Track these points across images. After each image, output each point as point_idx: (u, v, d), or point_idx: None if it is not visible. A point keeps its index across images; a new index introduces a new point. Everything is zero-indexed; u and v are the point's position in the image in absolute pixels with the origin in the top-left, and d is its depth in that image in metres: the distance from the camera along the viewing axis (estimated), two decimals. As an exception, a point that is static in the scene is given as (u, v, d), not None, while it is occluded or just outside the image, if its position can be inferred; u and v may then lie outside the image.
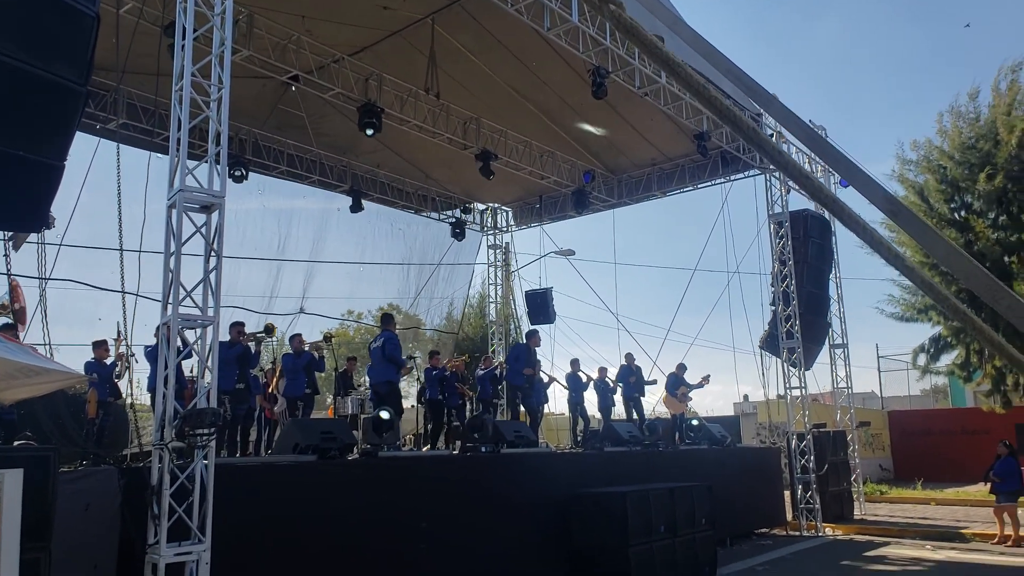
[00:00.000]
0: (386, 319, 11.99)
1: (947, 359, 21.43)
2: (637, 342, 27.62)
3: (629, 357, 16.09)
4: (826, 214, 17.89)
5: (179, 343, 6.48)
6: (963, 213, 19.66)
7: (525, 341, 14.82)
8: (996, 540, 13.30)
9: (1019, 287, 17.18)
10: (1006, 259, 18.49)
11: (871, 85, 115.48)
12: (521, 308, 21.20)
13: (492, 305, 22.54)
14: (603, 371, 16.11)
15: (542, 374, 15.43)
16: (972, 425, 24.06)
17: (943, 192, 19.74)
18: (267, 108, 14.75)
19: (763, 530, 15.33)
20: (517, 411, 14.21)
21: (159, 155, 10.67)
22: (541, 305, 19.61)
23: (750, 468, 15.17)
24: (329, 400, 13.08)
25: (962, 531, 14.24)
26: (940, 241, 2.02)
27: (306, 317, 16.84)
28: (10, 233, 8.16)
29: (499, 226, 22.07)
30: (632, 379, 15.84)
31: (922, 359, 21.79)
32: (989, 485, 13.62)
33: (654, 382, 16.56)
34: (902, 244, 17.98)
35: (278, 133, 15.82)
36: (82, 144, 12.15)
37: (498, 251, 22.15)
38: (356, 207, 17.26)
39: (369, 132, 13.25)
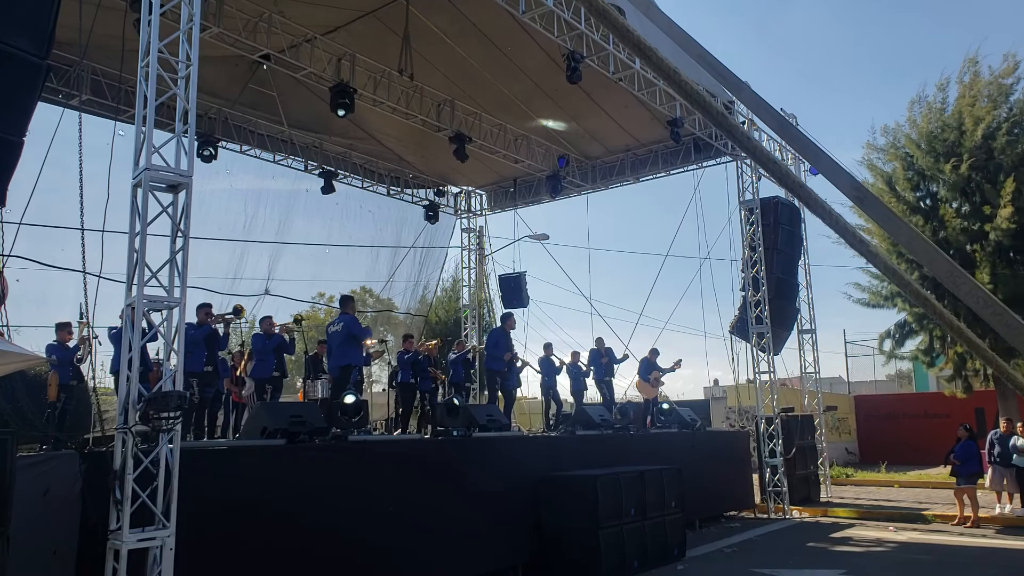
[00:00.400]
0: (345, 301, 11.71)
1: (911, 345, 21.74)
2: (609, 326, 27.84)
3: (599, 342, 16.15)
4: (796, 201, 18.03)
5: (144, 325, 6.38)
6: (929, 201, 19.89)
7: (500, 325, 14.79)
8: (956, 521, 13.57)
9: (980, 275, 17.43)
10: (969, 247, 18.75)
11: (845, 71, 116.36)
12: (495, 292, 21.21)
13: (465, 289, 22.49)
14: (575, 355, 16.17)
15: (518, 360, 15.46)
16: (934, 409, 24.49)
17: (910, 180, 19.96)
18: (238, 87, 14.55)
19: (732, 512, 15.51)
20: (496, 396, 14.21)
21: (122, 130, 10.44)
22: (514, 289, 19.63)
23: (719, 451, 15.32)
24: (299, 383, 12.99)
25: (924, 513, 14.51)
26: (903, 227, 2.03)
27: (277, 300, 16.69)
28: None
29: (473, 209, 21.99)
30: (604, 360, 15.90)
31: (887, 345, 22.06)
32: (950, 468, 13.87)
33: (626, 357, 16.66)
34: (869, 232, 18.16)
35: (249, 112, 15.61)
36: (45, 115, 11.87)
37: (472, 235, 22.09)
38: (328, 188, 17.09)
39: (341, 112, 13.10)
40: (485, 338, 15.36)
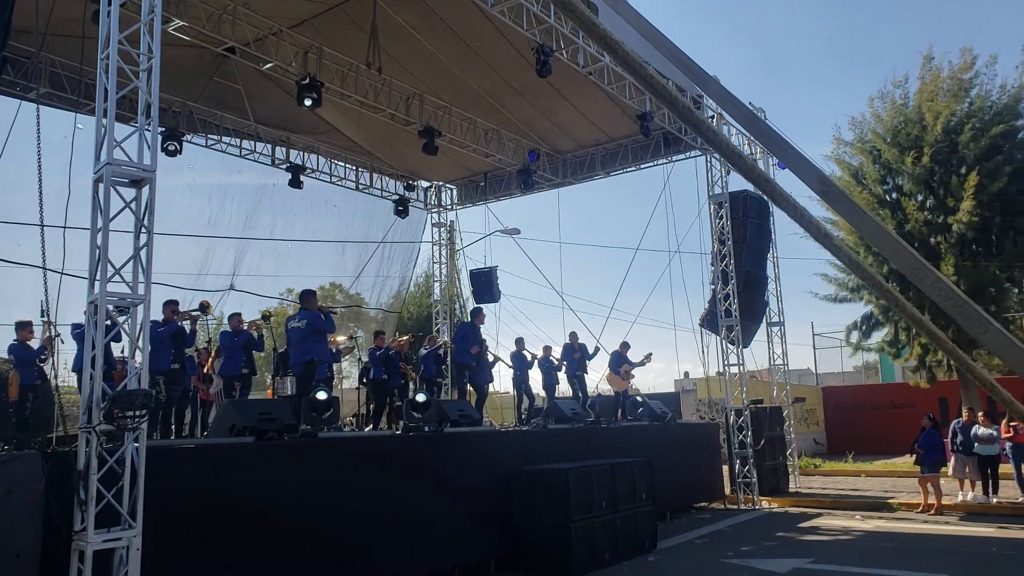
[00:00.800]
0: (306, 296, 11.44)
1: (878, 337, 22.06)
2: (581, 320, 27.87)
3: (573, 336, 16.19)
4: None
5: (108, 323, 6.28)
6: (895, 195, 20.15)
7: (470, 319, 14.77)
8: (920, 509, 13.83)
9: (944, 268, 17.70)
10: (933, 240, 19.03)
11: (815, 65, 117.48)
12: (466, 287, 21.16)
13: (437, 284, 22.41)
14: (547, 349, 16.19)
15: (490, 354, 15.46)
16: (900, 399, 24.83)
17: (877, 173, 20.22)
18: (203, 80, 14.34)
19: (702, 504, 15.63)
20: (465, 390, 14.19)
21: (81, 123, 10.23)
22: (486, 284, 19.61)
23: (690, 444, 15.43)
24: (268, 380, 12.87)
25: (889, 501, 14.76)
26: (868, 220, 2.04)
27: (243, 296, 16.53)
28: None
29: (443, 204, 21.91)
30: (576, 355, 15.95)
31: (854, 336, 22.38)
32: (914, 457, 14.10)
33: (597, 351, 16.70)
34: (836, 225, 18.37)
35: (215, 106, 15.41)
36: (2, 108, 11.63)
37: (443, 229, 22.01)
38: (295, 183, 16.91)
39: (308, 103, 12.95)
40: (454, 332, 15.32)
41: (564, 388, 16.79)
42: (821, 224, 2.04)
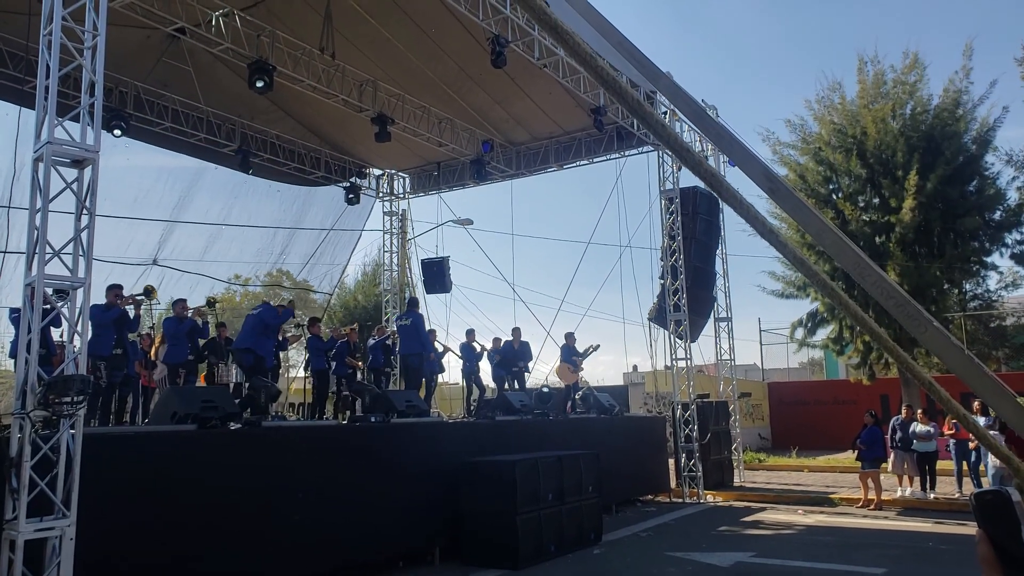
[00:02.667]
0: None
1: (823, 334, 22.43)
2: (532, 312, 27.98)
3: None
4: (715, 191, 18.35)
5: (47, 306, 6.10)
6: (840, 194, 20.51)
7: (412, 309, 14.56)
8: (860, 504, 14.12)
9: (889, 269, 18.07)
10: (877, 239, 19.41)
11: (767, 63, 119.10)
12: (417, 276, 21.03)
13: (387, 273, 22.23)
14: (497, 341, 16.18)
15: (437, 344, 15.38)
16: (842, 396, 25.34)
17: (821, 174, 20.53)
18: (151, 60, 14.00)
19: (648, 497, 15.79)
20: (415, 382, 14.10)
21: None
22: (437, 274, 19.52)
23: (637, 437, 15.56)
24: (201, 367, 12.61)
25: (831, 496, 15.04)
26: (814, 218, 2.05)
27: (192, 284, 16.27)
28: None
29: (396, 192, 21.73)
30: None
31: (800, 333, 22.74)
32: (856, 452, 14.40)
33: (597, 347, 16.79)
34: (783, 221, 18.61)
35: (163, 88, 15.05)
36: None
37: (394, 218, 21.82)
38: (244, 167, 16.62)
39: (260, 84, 12.72)
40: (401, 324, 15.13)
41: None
42: (767, 220, 2.05)
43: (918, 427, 14.25)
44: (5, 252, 7.31)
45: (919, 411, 14.66)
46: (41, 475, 5.57)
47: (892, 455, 14.65)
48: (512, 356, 15.82)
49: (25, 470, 5.45)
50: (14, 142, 8.96)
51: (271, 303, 11.18)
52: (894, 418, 15.12)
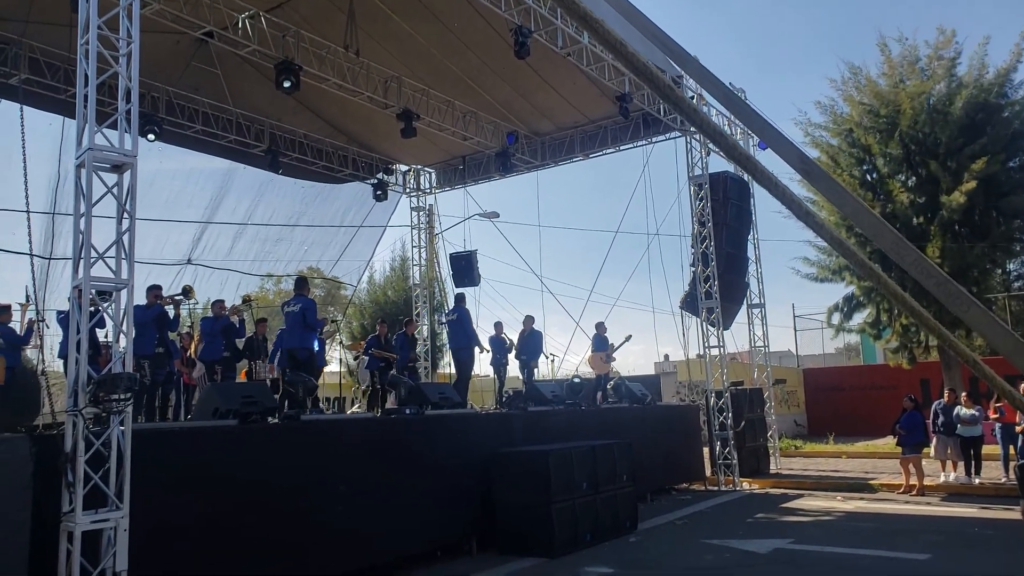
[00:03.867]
0: (300, 283, 11.63)
1: (859, 318, 22.19)
2: (560, 304, 27.93)
3: (498, 327, 16.05)
4: (745, 176, 18.27)
5: (92, 308, 6.27)
6: (875, 175, 20.24)
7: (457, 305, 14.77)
8: (902, 490, 13.95)
9: (931, 250, 17.81)
10: (915, 221, 19.14)
11: (791, 47, 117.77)
12: (445, 271, 21.15)
13: (415, 268, 22.38)
14: (499, 327, 16.09)
15: (504, 336, 15.43)
16: (881, 381, 25.06)
17: (854, 156, 20.28)
18: (181, 65, 14.23)
19: (683, 485, 15.77)
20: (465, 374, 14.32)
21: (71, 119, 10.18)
22: (465, 268, 19.60)
23: (670, 425, 15.54)
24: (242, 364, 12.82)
25: (870, 482, 14.88)
26: (849, 199, 2.09)
27: (223, 281, 16.56)
28: None
29: (422, 188, 21.85)
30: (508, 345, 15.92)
31: (836, 318, 22.50)
32: (896, 438, 14.22)
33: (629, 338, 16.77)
34: (817, 205, 18.45)
35: (193, 92, 15.29)
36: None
37: (421, 213, 21.95)
38: (274, 167, 16.87)
39: (286, 84, 12.88)
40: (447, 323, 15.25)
41: (544, 372, 16.80)
42: (803, 202, 2.09)
43: (963, 411, 14.02)
44: (50, 258, 7.56)
45: (963, 394, 14.46)
46: (94, 469, 5.76)
47: (934, 440, 14.42)
48: (521, 345, 15.79)
49: (80, 465, 5.63)
50: (58, 151, 9.22)
51: (304, 295, 11.24)
52: (936, 402, 14.86)
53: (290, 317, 11.13)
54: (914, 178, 19.32)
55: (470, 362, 14.21)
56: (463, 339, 14.09)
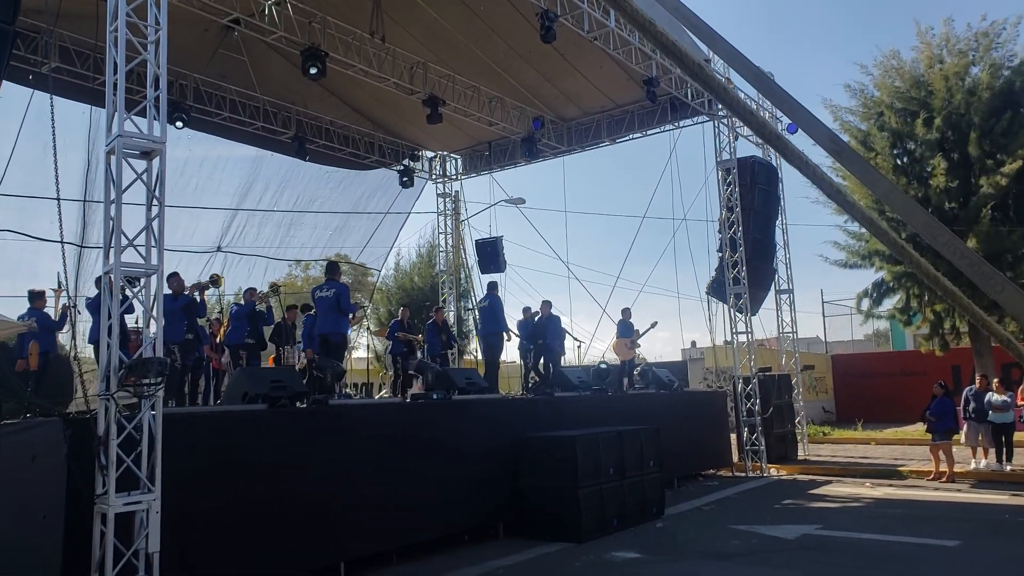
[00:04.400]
0: (332, 268, 11.71)
1: (889, 304, 21.98)
2: (587, 289, 27.85)
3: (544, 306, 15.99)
4: (773, 160, 18.10)
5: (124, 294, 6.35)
6: (906, 159, 19.97)
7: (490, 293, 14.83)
8: (931, 477, 13.81)
9: (972, 238, 17.54)
10: (947, 205, 18.87)
11: (821, 28, 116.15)
12: (472, 257, 21.18)
13: (442, 254, 22.43)
14: (527, 311, 16.06)
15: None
16: (911, 367, 24.82)
17: (886, 139, 20.01)
18: (208, 53, 14.33)
19: (710, 471, 15.73)
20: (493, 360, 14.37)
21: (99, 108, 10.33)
22: (491, 254, 19.62)
23: (697, 411, 15.48)
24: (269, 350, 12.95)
25: (899, 469, 14.75)
26: (881, 179, 2.06)
27: (251, 268, 16.73)
28: None
29: (448, 174, 21.87)
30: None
31: (865, 304, 22.30)
32: (926, 424, 14.08)
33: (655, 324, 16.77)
34: (850, 190, 18.22)
35: (220, 79, 15.39)
36: (17, 92, 11.72)
37: (447, 199, 21.98)
38: (301, 154, 16.97)
39: (313, 71, 12.92)
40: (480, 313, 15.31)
41: (570, 357, 16.76)
42: (833, 180, 2.06)
43: (994, 397, 13.86)
44: (82, 246, 7.69)
45: (995, 380, 14.27)
46: (127, 453, 5.85)
47: (965, 427, 14.28)
48: (536, 330, 15.72)
49: (112, 448, 5.71)
50: (87, 140, 9.35)
51: (337, 280, 11.30)
52: (967, 388, 14.70)
53: (323, 302, 11.13)
54: (946, 162, 19.02)
55: (500, 348, 14.29)
56: (493, 325, 14.20)
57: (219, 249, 16.29)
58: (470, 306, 19.70)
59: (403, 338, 14.32)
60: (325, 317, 11.10)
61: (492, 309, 14.33)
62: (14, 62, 11.91)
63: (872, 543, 9.11)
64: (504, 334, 14.46)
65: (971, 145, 18.23)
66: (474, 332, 21.07)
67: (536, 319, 15.64)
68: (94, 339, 8.85)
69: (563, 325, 15.94)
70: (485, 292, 15.00)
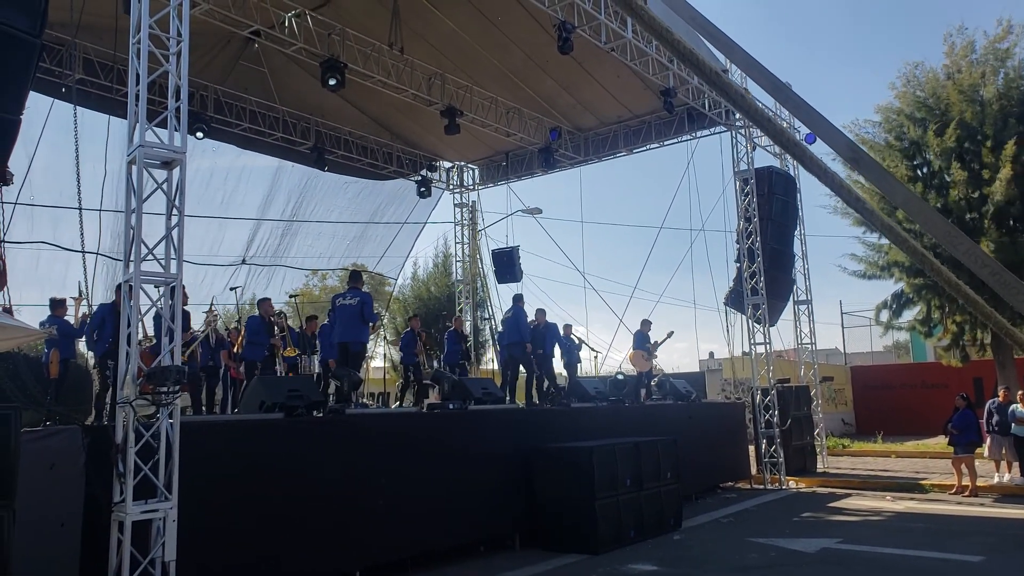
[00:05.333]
0: (355, 277, 11.71)
1: (909, 315, 21.77)
2: (604, 300, 27.83)
3: (567, 328, 15.96)
4: (791, 170, 18.02)
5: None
6: (926, 170, 19.82)
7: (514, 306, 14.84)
8: (954, 490, 13.62)
9: (985, 244, 17.36)
10: (968, 216, 18.69)
11: (839, 39, 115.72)
12: (488, 267, 21.21)
13: (458, 264, 22.47)
14: (568, 328, 16.15)
15: (573, 337, 15.41)
16: (932, 379, 24.55)
17: (904, 152, 19.88)
18: (229, 64, 14.47)
19: (728, 484, 15.62)
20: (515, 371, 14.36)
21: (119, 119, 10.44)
22: (508, 264, 19.65)
23: (715, 423, 15.39)
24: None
25: (921, 482, 14.56)
26: (900, 187, 2.04)
27: (275, 279, 16.83)
28: None
29: (465, 184, 21.92)
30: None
31: (884, 315, 22.10)
32: (948, 437, 13.90)
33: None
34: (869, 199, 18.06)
35: (240, 90, 15.53)
36: (39, 102, 11.87)
37: (464, 209, 22.03)
38: (320, 164, 17.07)
39: (332, 82, 13.01)
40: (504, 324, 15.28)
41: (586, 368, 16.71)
42: (852, 188, 2.04)
43: (1018, 409, 13.64)
44: (97, 254, 7.82)
45: (1019, 393, 14.08)
46: (144, 461, 5.88)
47: (988, 440, 14.07)
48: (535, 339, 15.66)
49: (130, 456, 5.75)
50: (105, 149, 9.48)
51: (359, 288, 11.29)
52: (990, 401, 14.47)
53: (345, 310, 11.04)
54: (965, 172, 18.86)
55: (523, 358, 14.28)
56: (515, 335, 14.22)
57: (244, 262, 16.37)
58: (487, 315, 19.66)
59: (419, 350, 14.37)
60: (346, 325, 11.00)
61: (516, 320, 14.38)
62: (39, 73, 12.09)
63: (894, 558, 9.00)
64: (527, 345, 14.45)
65: (984, 155, 18.11)
66: (491, 342, 21.08)
67: (533, 327, 15.62)
68: (101, 352, 8.94)
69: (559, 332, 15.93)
70: (511, 303, 15.02)
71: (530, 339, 14.60)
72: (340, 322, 11.20)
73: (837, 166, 14.49)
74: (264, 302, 12.48)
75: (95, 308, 9.61)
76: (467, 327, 21.08)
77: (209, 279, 14.14)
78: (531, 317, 15.09)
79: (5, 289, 8.48)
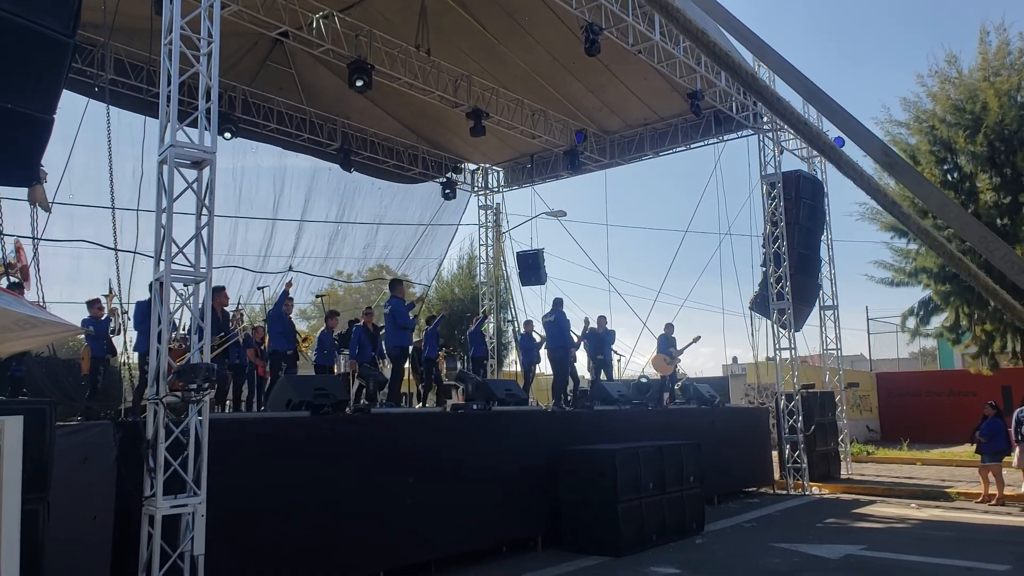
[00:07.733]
0: (394, 285, 12.25)
1: (936, 322, 21.54)
2: (628, 303, 27.75)
3: (601, 320, 15.97)
4: (819, 174, 17.89)
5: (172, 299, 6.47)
6: (956, 174, 19.59)
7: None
8: (980, 499, 13.47)
9: (1020, 250, 17.14)
10: (999, 222, 18.46)
11: (870, 36, 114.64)
12: (512, 269, 21.23)
13: (482, 266, 22.50)
14: (603, 320, 16.10)
15: (534, 335, 15.52)
16: (959, 387, 24.27)
17: (935, 154, 19.66)
18: (257, 65, 14.61)
19: (751, 489, 15.53)
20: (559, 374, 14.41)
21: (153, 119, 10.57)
22: (532, 266, 19.66)
23: (739, 428, 15.31)
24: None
25: (947, 490, 14.42)
26: (935, 192, 2.03)
27: (299, 276, 16.95)
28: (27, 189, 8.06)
29: (490, 186, 21.96)
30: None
31: (911, 322, 21.89)
32: (975, 445, 13.73)
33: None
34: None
35: (268, 91, 15.66)
36: (74, 102, 12.04)
37: (489, 212, 22.06)
38: (346, 166, 17.17)
39: (359, 83, 13.10)
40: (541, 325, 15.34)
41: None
42: (888, 191, 2.04)
43: (1047, 419, 13.47)
44: (135, 252, 7.95)
45: (1049, 402, 13.88)
46: (174, 456, 5.96)
47: (1017, 448, 13.87)
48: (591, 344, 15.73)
49: (160, 451, 5.83)
50: (140, 149, 9.60)
51: (396, 295, 11.75)
52: (1018, 409, 14.22)
53: (385, 319, 11.90)
54: (998, 178, 18.61)
55: (564, 361, 14.36)
56: (558, 339, 14.31)
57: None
58: (510, 318, 19.68)
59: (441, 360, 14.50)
60: (386, 332, 11.79)
61: (558, 324, 14.46)
62: (71, 74, 12.27)
63: (918, 565, 8.91)
64: (570, 349, 14.55)
65: (1019, 161, 17.86)
66: (514, 344, 21.09)
67: (592, 332, 15.70)
68: (137, 347, 9.08)
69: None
70: (551, 307, 15.07)
71: (577, 345, 14.73)
72: (385, 329, 11.80)
73: (866, 169, 14.34)
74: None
75: (132, 305, 9.73)
76: (491, 329, 21.09)
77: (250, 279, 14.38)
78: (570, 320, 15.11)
79: (38, 286, 8.62)
